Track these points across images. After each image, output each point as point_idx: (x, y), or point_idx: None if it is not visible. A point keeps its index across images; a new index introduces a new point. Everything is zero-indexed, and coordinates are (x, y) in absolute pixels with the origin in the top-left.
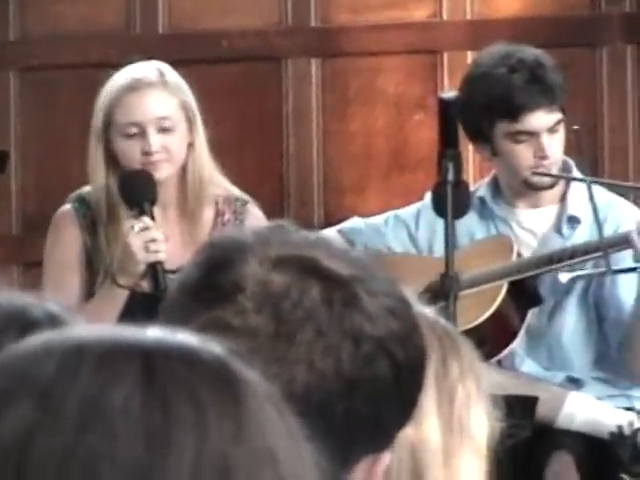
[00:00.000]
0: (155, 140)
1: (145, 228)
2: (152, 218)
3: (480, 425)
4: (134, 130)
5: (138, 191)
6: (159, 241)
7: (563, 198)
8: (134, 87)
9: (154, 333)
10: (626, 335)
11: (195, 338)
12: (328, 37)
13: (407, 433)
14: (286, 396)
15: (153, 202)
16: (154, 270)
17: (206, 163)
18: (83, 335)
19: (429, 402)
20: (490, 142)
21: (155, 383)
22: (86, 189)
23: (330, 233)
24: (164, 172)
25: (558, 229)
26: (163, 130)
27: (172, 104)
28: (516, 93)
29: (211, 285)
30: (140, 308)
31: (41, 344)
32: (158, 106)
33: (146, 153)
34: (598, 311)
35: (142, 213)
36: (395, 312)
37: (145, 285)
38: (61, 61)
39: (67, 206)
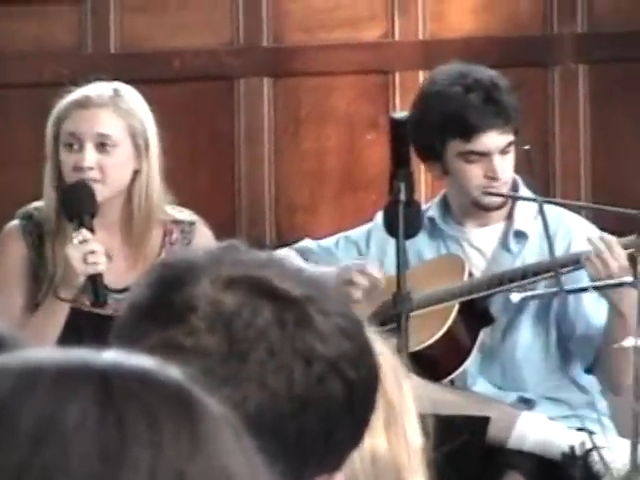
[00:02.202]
0: (90, 156)
1: (84, 240)
2: (92, 231)
3: (417, 442)
4: (74, 142)
5: (77, 203)
6: (98, 253)
7: (510, 215)
8: (83, 104)
9: (111, 355)
10: (601, 355)
11: (152, 361)
12: (280, 56)
13: (366, 446)
14: (239, 416)
15: (93, 215)
16: (93, 282)
17: (155, 191)
18: (40, 355)
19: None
20: (441, 160)
21: (111, 400)
22: (35, 205)
23: (284, 252)
24: (97, 194)
25: (505, 245)
26: (101, 147)
27: (117, 125)
28: (470, 113)
29: (163, 305)
30: (81, 321)
31: None
32: (101, 123)
33: (78, 168)
34: (560, 330)
35: (81, 225)
36: (347, 332)
37: (85, 298)
38: (13, 80)
39: (14, 222)
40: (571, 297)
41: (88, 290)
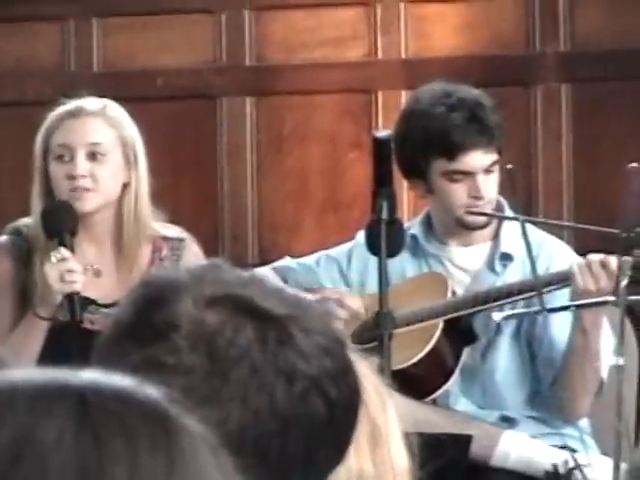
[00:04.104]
0: (82, 164)
1: (62, 259)
2: (71, 249)
3: (402, 462)
4: (65, 153)
5: (57, 222)
6: (76, 272)
7: (496, 236)
8: (74, 113)
9: (89, 374)
10: (559, 375)
11: (130, 380)
12: (263, 75)
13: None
14: (221, 434)
15: (73, 233)
16: (70, 301)
17: (144, 206)
18: (18, 375)
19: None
20: (425, 179)
21: (88, 418)
22: (25, 221)
23: (263, 271)
24: (89, 203)
25: (491, 266)
26: (93, 156)
27: (108, 134)
28: (454, 132)
29: (146, 323)
30: (70, 336)
31: None
32: (92, 132)
33: (71, 177)
34: (530, 349)
35: (61, 244)
36: (329, 351)
37: (63, 316)
38: None
39: (3, 237)
40: (540, 317)
41: (65, 308)
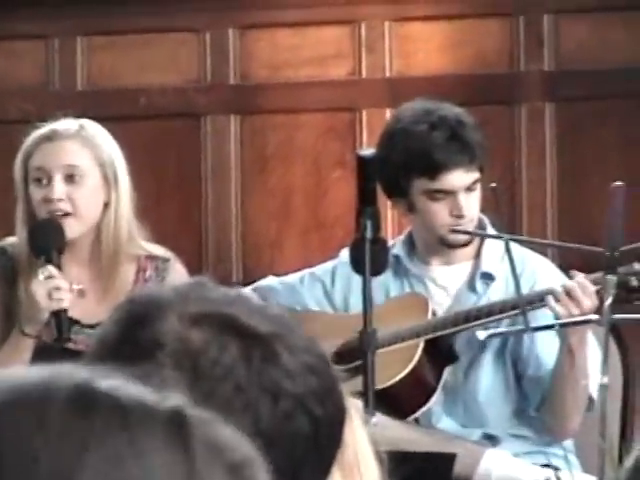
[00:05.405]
0: (59, 188)
1: (49, 276)
2: (58, 266)
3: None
4: (42, 177)
5: (44, 239)
6: (63, 289)
7: (477, 255)
8: (49, 137)
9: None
10: (548, 395)
11: (145, 389)
12: (247, 94)
13: None
14: None
15: (60, 250)
16: (58, 318)
17: (124, 225)
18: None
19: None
20: (407, 198)
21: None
22: (10, 240)
23: (245, 291)
24: (69, 230)
25: (472, 286)
26: (70, 178)
27: (84, 155)
28: (435, 151)
29: (130, 341)
30: (52, 356)
31: None
32: (67, 154)
33: (48, 200)
34: (516, 368)
35: (48, 261)
36: (314, 369)
37: (49, 334)
38: None
39: None
40: (526, 337)
41: (52, 326)
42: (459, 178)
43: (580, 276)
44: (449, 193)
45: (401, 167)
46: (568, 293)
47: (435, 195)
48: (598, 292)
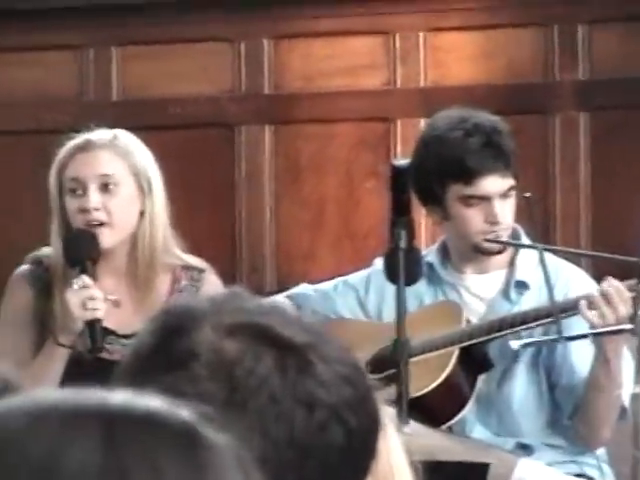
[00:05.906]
0: (94, 197)
1: (84, 286)
2: (93, 277)
3: None
4: (77, 187)
5: (79, 249)
6: (97, 299)
7: (511, 263)
8: (83, 147)
9: (120, 396)
10: (581, 404)
11: (162, 402)
12: (281, 104)
13: None
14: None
15: (95, 261)
16: (92, 328)
17: (159, 234)
18: (47, 397)
19: None
20: (441, 205)
21: (114, 448)
22: (45, 251)
23: (279, 299)
24: (105, 240)
25: (506, 294)
26: (105, 188)
27: (118, 165)
28: (470, 156)
29: (165, 352)
30: (89, 367)
31: (6, 406)
32: (101, 164)
33: (84, 210)
34: (550, 377)
35: (83, 271)
36: (348, 379)
37: (83, 344)
38: (14, 127)
39: (24, 267)
40: (559, 345)
41: (86, 336)
42: (494, 184)
43: (615, 281)
44: (484, 199)
45: (436, 173)
46: (605, 297)
47: (470, 201)
48: (632, 300)
